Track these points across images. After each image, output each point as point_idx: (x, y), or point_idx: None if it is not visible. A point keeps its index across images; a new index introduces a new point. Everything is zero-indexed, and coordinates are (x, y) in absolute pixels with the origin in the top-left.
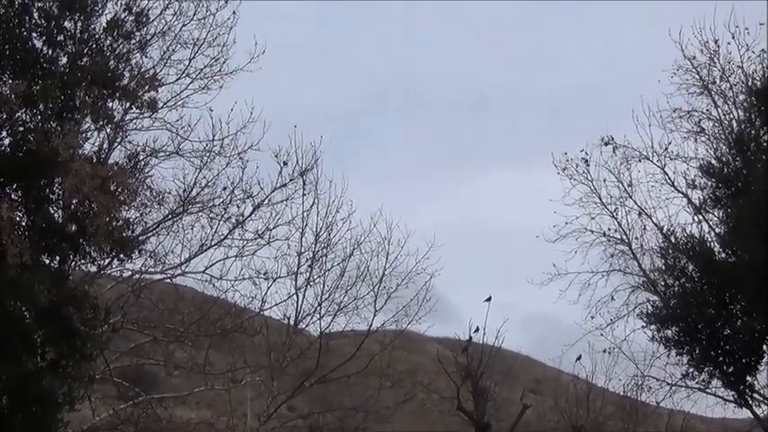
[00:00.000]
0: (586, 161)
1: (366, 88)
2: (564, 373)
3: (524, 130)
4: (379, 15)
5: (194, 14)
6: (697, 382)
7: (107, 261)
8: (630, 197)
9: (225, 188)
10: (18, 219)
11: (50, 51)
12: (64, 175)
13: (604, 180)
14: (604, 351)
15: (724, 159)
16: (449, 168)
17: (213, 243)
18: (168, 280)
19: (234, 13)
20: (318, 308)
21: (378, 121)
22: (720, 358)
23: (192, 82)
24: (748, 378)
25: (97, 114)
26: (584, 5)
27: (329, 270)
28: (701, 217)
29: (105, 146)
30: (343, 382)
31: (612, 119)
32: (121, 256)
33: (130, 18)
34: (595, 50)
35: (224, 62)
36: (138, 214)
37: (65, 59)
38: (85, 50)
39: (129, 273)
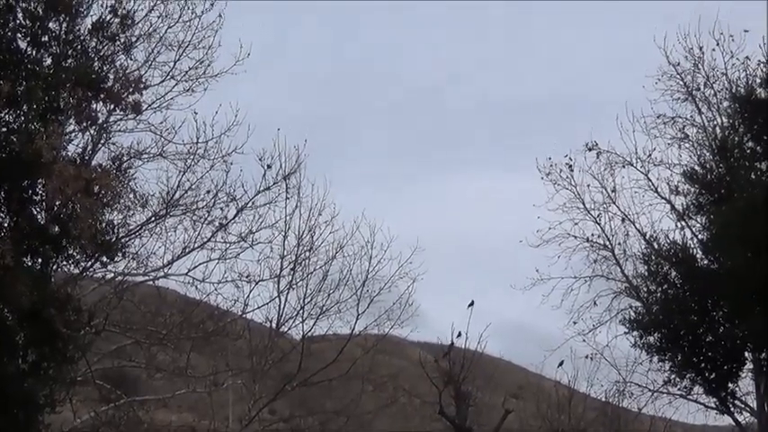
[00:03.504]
0: (570, 166)
1: (330, 93)
2: (546, 378)
3: (505, 134)
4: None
5: (180, 17)
6: (679, 389)
7: (90, 263)
8: (614, 203)
9: (209, 191)
10: (0, 220)
11: (35, 52)
12: (47, 177)
13: (588, 185)
14: (586, 357)
15: (707, 166)
16: (424, 173)
17: (196, 246)
18: (151, 282)
19: (219, 15)
20: (301, 311)
21: (349, 125)
22: (702, 365)
23: (176, 84)
24: (730, 385)
25: (81, 116)
26: (566, 8)
27: (312, 273)
28: (683, 223)
29: (89, 148)
30: (325, 386)
31: (596, 124)
32: (104, 258)
33: (116, 20)
34: (579, 55)
35: (209, 65)
36: (121, 216)
37: (49, 60)
38: (70, 52)
39: (112, 275)
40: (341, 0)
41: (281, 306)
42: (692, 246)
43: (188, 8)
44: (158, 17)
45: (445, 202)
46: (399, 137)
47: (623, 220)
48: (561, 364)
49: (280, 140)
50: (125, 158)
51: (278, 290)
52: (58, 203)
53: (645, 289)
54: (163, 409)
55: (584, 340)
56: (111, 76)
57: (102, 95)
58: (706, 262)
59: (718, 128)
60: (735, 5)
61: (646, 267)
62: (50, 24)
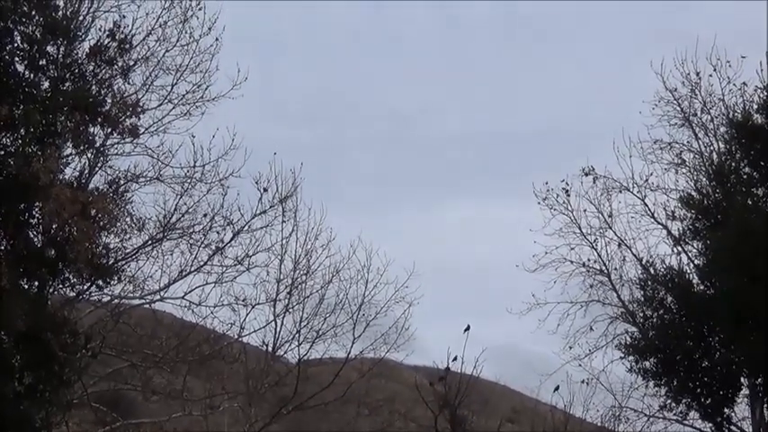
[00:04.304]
0: (567, 191)
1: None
2: (542, 403)
3: (503, 160)
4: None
5: (177, 41)
6: (675, 414)
7: (86, 286)
8: (610, 228)
9: (205, 214)
10: None
11: (32, 76)
12: (44, 200)
13: (585, 210)
14: (582, 382)
15: (704, 191)
16: (421, 198)
17: (193, 269)
18: (147, 305)
19: (217, 40)
20: (297, 335)
21: (346, 151)
22: (698, 390)
23: (173, 108)
24: (726, 410)
25: (78, 139)
26: (562, 34)
27: (308, 297)
28: (680, 248)
29: (86, 171)
30: (321, 410)
31: (593, 150)
32: (100, 281)
33: (113, 44)
34: (577, 81)
35: (206, 88)
36: (117, 240)
37: (47, 84)
38: (68, 75)
39: (108, 298)
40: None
41: (278, 330)
42: (689, 271)
43: (186, 32)
44: (156, 41)
45: (441, 228)
46: (397, 162)
47: (620, 246)
48: (557, 388)
49: (276, 164)
50: (122, 182)
51: (274, 313)
52: (54, 227)
53: (641, 314)
54: None
55: (580, 365)
56: (109, 100)
57: (99, 119)
58: (702, 287)
59: (714, 153)
60: (732, 33)
61: (642, 292)
62: (48, 48)
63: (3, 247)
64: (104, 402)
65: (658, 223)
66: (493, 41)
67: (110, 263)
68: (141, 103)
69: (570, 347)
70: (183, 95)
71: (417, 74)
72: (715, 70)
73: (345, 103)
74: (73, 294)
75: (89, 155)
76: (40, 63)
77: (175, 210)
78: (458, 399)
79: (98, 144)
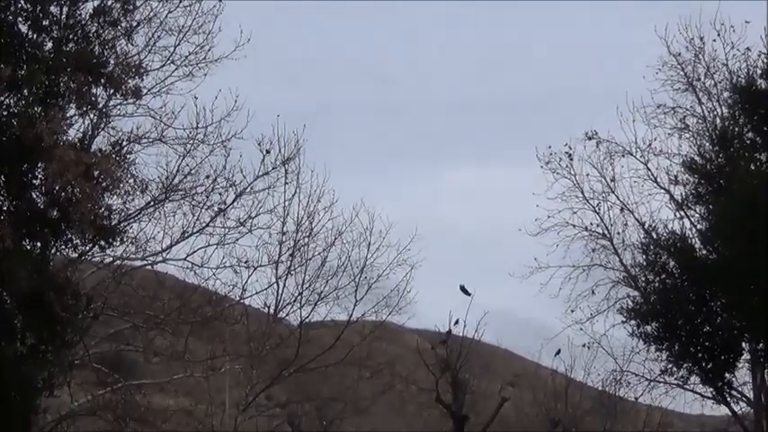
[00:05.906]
0: (570, 155)
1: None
2: (543, 367)
3: (505, 125)
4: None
5: (180, 1)
6: (676, 379)
7: (89, 247)
8: (613, 192)
9: (208, 176)
10: (0, 203)
11: (36, 36)
12: (47, 161)
13: (587, 175)
14: (584, 346)
15: (707, 156)
16: (423, 162)
17: (195, 230)
18: (149, 267)
19: (219, 0)
20: (299, 297)
21: (348, 113)
22: (699, 355)
23: (176, 69)
24: (727, 375)
25: (81, 100)
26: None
27: (310, 259)
28: (682, 213)
29: (89, 132)
30: (322, 372)
31: (596, 116)
32: (103, 242)
33: (117, 5)
34: (580, 45)
35: (209, 50)
36: (120, 201)
37: (50, 45)
38: (71, 36)
39: (111, 259)
40: None
41: (279, 292)
42: (691, 236)
43: None
44: (159, 2)
45: (442, 192)
46: (399, 126)
47: (622, 210)
48: (558, 352)
49: (279, 126)
50: (125, 143)
51: (276, 275)
52: (57, 188)
53: (643, 278)
54: (160, 393)
55: (581, 329)
56: (112, 61)
57: (102, 80)
58: (704, 252)
59: (718, 118)
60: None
61: (644, 257)
62: (51, 8)
63: (6, 208)
64: (106, 363)
65: (661, 188)
66: (496, 5)
67: (112, 224)
68: (144, 64)
69: (572, 311)
70: (186, 56)
71: (418, 37)
72: (719, 35)
73: (347, 67)
74: (75, 255)
75: (92, 116)
76: (44, 23)
77: (178, 171)
78: (459, 362)
79: (101, 105)
